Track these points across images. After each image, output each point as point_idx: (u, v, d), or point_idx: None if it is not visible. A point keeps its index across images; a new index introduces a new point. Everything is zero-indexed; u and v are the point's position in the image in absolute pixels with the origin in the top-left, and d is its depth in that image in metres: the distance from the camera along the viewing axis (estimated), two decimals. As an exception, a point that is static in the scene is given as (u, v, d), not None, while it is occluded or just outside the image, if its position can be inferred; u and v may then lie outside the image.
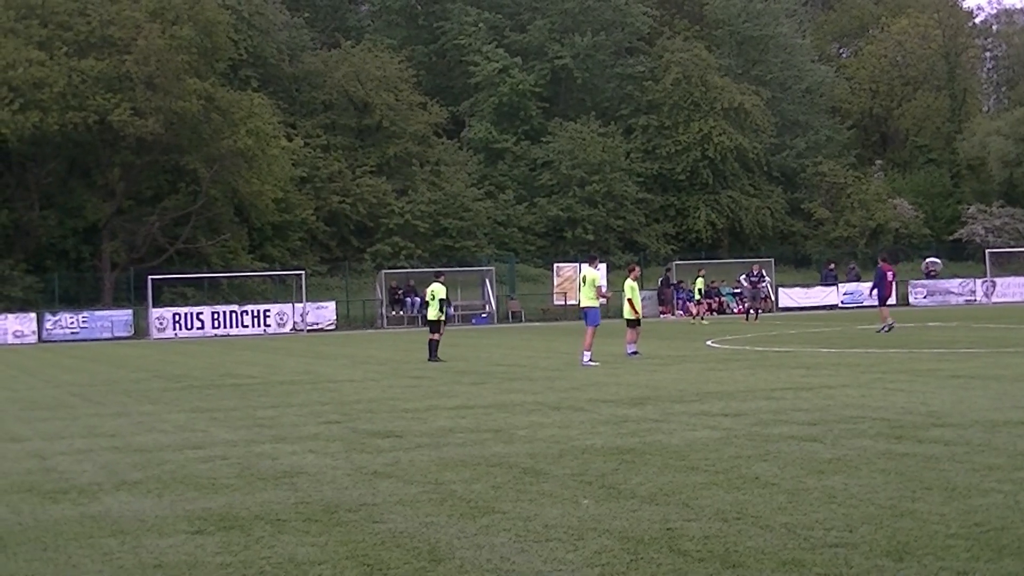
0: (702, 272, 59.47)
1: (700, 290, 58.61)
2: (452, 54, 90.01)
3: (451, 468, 12.97)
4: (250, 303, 65.97)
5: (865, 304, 71.12)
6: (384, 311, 67.90)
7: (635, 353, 31.33)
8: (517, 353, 36.69)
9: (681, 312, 68.93)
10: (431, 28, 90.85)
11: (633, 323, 31.95)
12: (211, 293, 68.28)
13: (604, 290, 31.40)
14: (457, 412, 18.86)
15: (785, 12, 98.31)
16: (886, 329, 39.93)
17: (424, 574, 8.33)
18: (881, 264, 44.06)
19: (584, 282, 30.86)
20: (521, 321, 68.40)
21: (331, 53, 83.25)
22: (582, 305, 30.92)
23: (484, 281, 70.27)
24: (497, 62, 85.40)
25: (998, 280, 75.45)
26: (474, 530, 9.64)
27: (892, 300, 43.94)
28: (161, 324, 62.10)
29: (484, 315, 68.63)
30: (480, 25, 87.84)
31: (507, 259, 76.40)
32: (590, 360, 28.98)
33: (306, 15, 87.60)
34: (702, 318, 57.66)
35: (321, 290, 70.61)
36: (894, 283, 44.70)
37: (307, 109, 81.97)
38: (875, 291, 43.31)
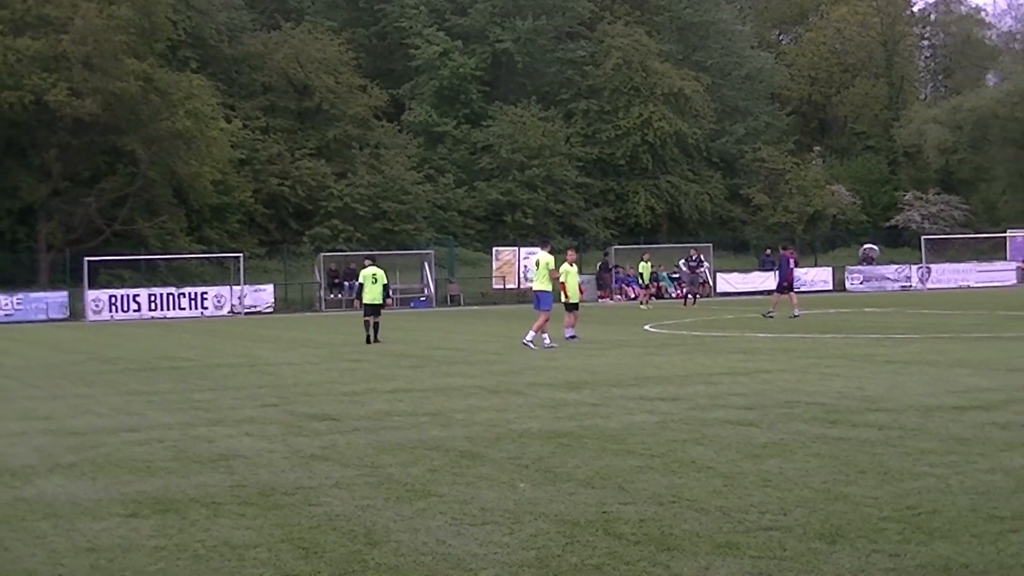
0: (646, 257, 59.48)
1: (641, 275, 58.74)
2: (393, 37, 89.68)
3: (388, 451, 12.97)
4: (188, 285, 65.47)
5: (803, 290, 71.74)
6: (323, 294, 67.71)
7: (573, 337, 31.40)
8: (456, 337, 36.71)
9: (620, 297, 69.18)
10: (372, 10, 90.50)
11: (571, 307, 31.99)
12: (148, 275, 67.73)
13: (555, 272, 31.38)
14: (395, 395, 18.86)
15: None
16: (796, 315, 40.64)
17: (360, 557, 8.31)
18: (784, 252, 44.65)
19: (537, 266, 30.85)
20: (460, 305, 68.39)
21: (271, 35, 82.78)
22: (535, 289, 30.92)
23: (423, 265, 70.15)
24: (438, 45, 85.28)
25: (933, 266, 76.06)
26: (411, 513, 9.64)
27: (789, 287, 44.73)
28: (97, 306, 61.64)
29: (423, 299, 68.52)
30: (421, 8, 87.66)
31: (446, 243, 76.34)
32: (531, 341, 29.08)
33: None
34: (643, 302, 57.73)
35: (259, 273, 70.33)
36: (794, 270, 45.40)
37: (246, 91, 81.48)
38: (779, 277, 44.21)
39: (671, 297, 68.84)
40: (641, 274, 58.67)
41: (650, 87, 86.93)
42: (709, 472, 11.05)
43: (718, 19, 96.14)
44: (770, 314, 41.13)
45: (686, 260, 61.20)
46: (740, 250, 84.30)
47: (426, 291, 69.38)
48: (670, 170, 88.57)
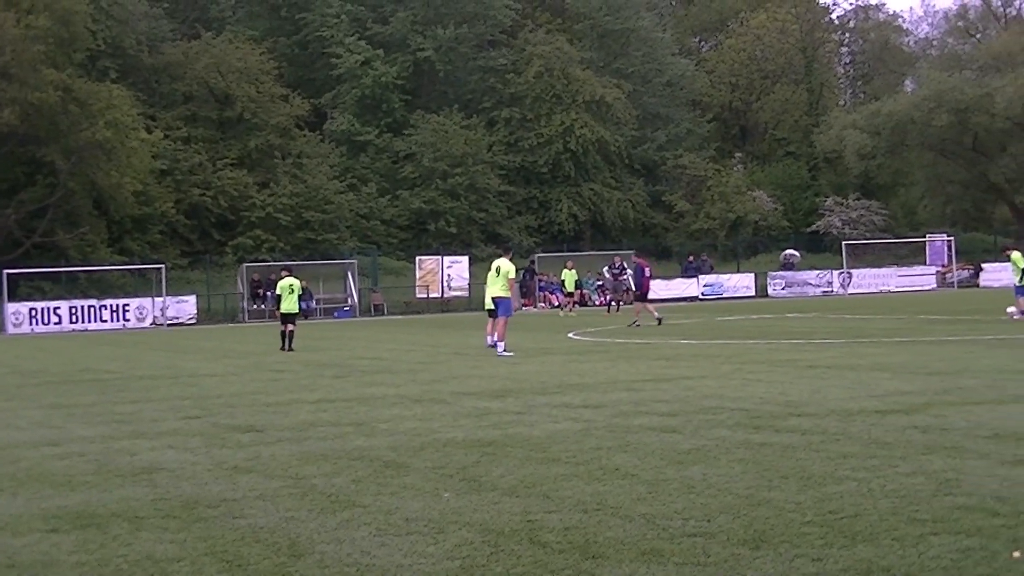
0: (570, 264, 59.53)
1: (564, 282, 58.87)
2: (314, 46, 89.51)
3: (312, 462, 12.91)
4: (109, 297, 64.91)
5: (725, 296, 72.22)
6: (245, 305, 67.42)
7: (492, 346, 31.57)
8: (380, 346, 36.63)
9: (544, 304, 69.33)
10: (293, 20, 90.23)
11: (494, 313, 32.13)
12: (69, 287, 67.13)
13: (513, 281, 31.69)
14: (319, 406, 18.77)
15: (646, 5, 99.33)
16: (642, 323, 41.15)
17: (284, 569, 8.28)
18: (637, 260, 45.16)
19: (498, 273, 30.91)
20: (384, 314, 68.32)
21: (191, 44, 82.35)
22: (495, 296, 30.97)
23: (347, 274, 70.12)
24: (359, 54, 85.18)
25: (854, 271, 76.80)
26: (335, 524, 9.60)
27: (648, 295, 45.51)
28: (17, 319, 61.04)
29: (347, 308, 68.39)
30: (342, 17, 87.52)
31: (369, 252, 76.27)
32: (505, 350, 29.35)
33: (166, 5, 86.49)
34: (570, 309, 57.82)
35: (182, 284, 69.93)
36: (650, 278, 46.01)
37: (167, 101, 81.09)
38: (635, 286, 44.91)
39: (595, 304, 69.03)
40: (563, 281, 58.81)
41: (572, 95, 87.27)
42: (633, 479, 11.06)
43: (639, 26, 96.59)
44: (657, 320, 41.68)
45: (609, 267, 61.38)
46: (663, 257, 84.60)
47: (349, 300, 69.30)
48: (592, 177, 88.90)
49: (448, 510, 9.96)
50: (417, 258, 72.87)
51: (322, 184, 78.81)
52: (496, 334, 30.07)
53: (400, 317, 65.20)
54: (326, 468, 12.47)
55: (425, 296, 70.61)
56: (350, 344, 38.22)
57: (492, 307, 31.90)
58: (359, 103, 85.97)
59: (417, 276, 71.62)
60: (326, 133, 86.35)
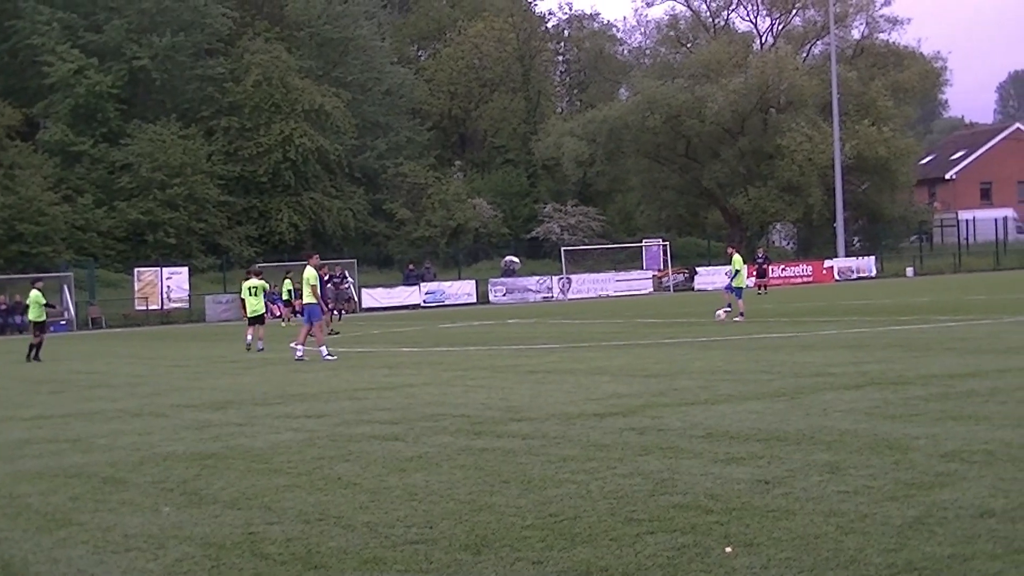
0: (289, 275, 59.25)
1: (289, 291, 58.54)
2: (25, 54, 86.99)
3: (27, 480, 12.61)
4: None
5: (447, 303, 72.66)
6: (-44, 320, 65.48)
7: (261, 350, 32.31)
8: (97, 360, 36.00)
9: (267, 315, 68.78)
10: (2, 26, 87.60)
11: (255, 320, 33.11)
12: None
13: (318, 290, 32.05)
14: (34, 423, 18.34)
15: (364, 14, 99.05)
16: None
17: (-3, 592, 8.09)
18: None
19: (306, 282, 31.12)
20: (102, 327, 67.02)
21: None
22: (304, 303, 31.42)
23: (62, 287, 68.51)
24: (72, 63, 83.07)
25: (573, 277, 78.01)
26: (51, 544, 9.40)
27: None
28: None
29: (63, 322, 66.85)
30: (54, 24, 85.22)
31: (86, 264, 74.62)
32: (302, 353, 29.99)
33: None
34: (289, 320, 57.50)
35: None
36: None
37: None
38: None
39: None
40: (289, 291, 58.46)
41: (291, 103, 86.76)
42: (355, 488, 11.08)
43: (357, 35, 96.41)
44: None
45: (330, 276, 61.19)
46: (384, 265, 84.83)
47: (66, 314, 67.74)
48: (312, 186, 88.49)
49: (168, 525, 9.84)
50: (136, 270, 71.68)
51: (36, 195, 76.74)
52: (300, 336, 30.81)
53: (119, 330, 64.07)
54: (41, 486, 12.21)
55: (144, 308, 69.51)
56: (67, 359, 37.46)
57: (255, 314, 34.42)
58: (73, 112, 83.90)
59: (136, 288, 70.46)
60: (39, 143, 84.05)
